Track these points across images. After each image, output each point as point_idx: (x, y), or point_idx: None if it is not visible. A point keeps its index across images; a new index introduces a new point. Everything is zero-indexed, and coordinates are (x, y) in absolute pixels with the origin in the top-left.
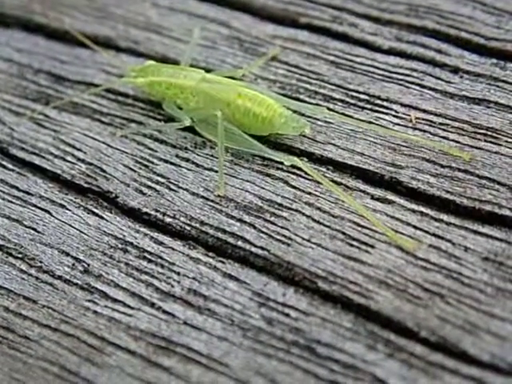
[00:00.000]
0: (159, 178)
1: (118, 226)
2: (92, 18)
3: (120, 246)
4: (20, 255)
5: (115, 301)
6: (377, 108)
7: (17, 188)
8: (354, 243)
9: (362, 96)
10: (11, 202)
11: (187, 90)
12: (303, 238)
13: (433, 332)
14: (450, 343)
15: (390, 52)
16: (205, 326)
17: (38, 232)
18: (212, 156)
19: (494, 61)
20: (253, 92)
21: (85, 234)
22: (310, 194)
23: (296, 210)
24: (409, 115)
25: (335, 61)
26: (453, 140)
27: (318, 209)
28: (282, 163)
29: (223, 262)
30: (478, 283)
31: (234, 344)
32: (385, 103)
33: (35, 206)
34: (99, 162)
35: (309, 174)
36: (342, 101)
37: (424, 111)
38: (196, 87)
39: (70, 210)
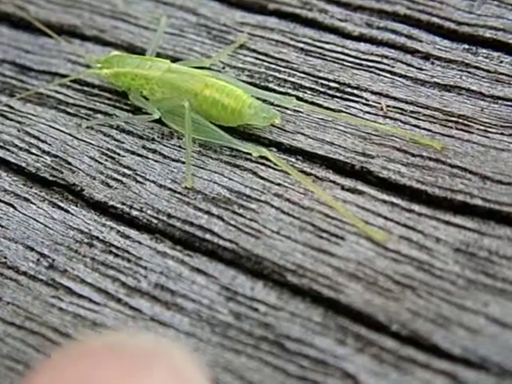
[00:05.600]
0: (126, 170)
1: (84, 220)
2: (57, 7)
3: (86, 240)
4: None
5: (81, 297)
6: (347, 96)
7: None
8: (324, 235)
9: (332, 84)
10: None
11: (152, 81)
12: (272, 231)
13: (404, 326)
14: (421, 337)
15: (360, 38)
16: (172, 322)
17: (2, 227)
18: (179, 147)
19: (466, 46)
20: (220, 82)
21: (50, 228)
22: (279, 185)
23: (265, 202)
24: (379, 103)
25: (304, 48)
26: (424, 128)
27: (287, 200)
28: (250, 154)
29: (191, 256)
30: (449, 275)
31: (202, 340)
32: (355, 91)
33: None
34: (65, 154)
35: (277, 165)
36: (311, 89)
37: (395, 99)
38: (161, 78)
39: (34, 204)
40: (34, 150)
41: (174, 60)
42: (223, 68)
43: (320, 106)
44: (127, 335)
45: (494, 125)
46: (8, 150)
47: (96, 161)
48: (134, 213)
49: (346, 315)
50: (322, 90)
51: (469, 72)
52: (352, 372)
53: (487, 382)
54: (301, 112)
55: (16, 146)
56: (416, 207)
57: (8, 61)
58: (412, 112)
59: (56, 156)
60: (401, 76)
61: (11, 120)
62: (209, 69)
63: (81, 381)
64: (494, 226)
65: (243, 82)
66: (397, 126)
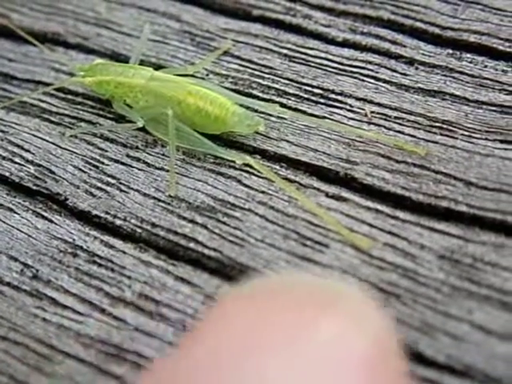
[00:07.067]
0: (109, 179)
1: (68, 230)
2: (40, 14)
3: (70, 250)
4: None
5: (64, 307)
6: (331, 102)
7: None
8: (308, 243)
9: (316, 90)
10: None
11: (136, 89)
12: (256, 239)
13: None
14: (405, 345)
15: (344, 44)
16: (156, 332)
17: None
18: (163, 155)
19: (450, 51)
20: (204, 90)
21: (33, 238)
22: (263, 192)
23: (249, 210)
24: (363, 109)
25: (288, 54)
26: (408, 134)
27: (272, 208)
28: (234, 162)
29: (175, 265)
30: (434, 282)
31: None
32: (339, 97)
33: None
34: (48, 163)
35: (261, 173)
36: (295, 95)
37: (379, 105)
38: (145, 86)
39: (18, 214)
40: (17, 160)
41: (158, 67)
42: (207, 75)
43: (304, 112)
44: (307, 277)
45: (479, 130)
46: None
47: (80, 170)
48: (118, 222)
49: None
50: (305, 96)
51: (453, 77)
52: None
53: None
54: (285, 119)
55: None
56: (400, 214)
57: None
58: (396, 118)
59: (39, 165)
60: (385, 82)
61: None
62: (192, 76)
63: (248, 324)
64: (479, 233)
65: (227, 89)
66: (381, 132)
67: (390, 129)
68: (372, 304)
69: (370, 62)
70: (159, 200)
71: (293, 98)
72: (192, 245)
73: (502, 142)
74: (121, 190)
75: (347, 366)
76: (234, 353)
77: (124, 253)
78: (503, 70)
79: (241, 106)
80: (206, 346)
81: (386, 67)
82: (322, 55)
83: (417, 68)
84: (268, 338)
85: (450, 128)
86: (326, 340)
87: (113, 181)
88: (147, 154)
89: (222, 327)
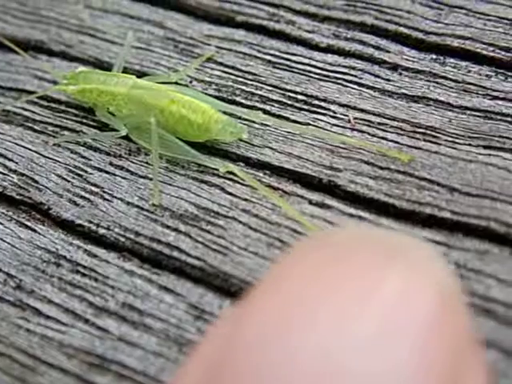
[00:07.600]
0: (93, 188)
1: (51, 239)
2: (24, 22)
3: (53, 260)
4: None
5: (48, 318)
6: (314, 109)
7: None
8: None
9: (300, 96)
10: None
11: (119, 97)
12: (240, 247)
13: None
14: None
15: (327, 50)
16: (140, 342)
17: None
18: (147, 163)
19: (434, 56)
20: (187, 97)
21: (17, 248)
22: (246, 200)
23: (232, 218)
24: (347, 115)
25: (272, 60)
26: (392, 140)
27: (255, 216)
28: (217, 169)
29: (158, 274)
30: None
31: (170, 360)
32: (322, 103)
33: None
34: (31, 172)
35: (244, 180)
36: (279, 102)
37: (362, 111)
38: (127, 94)
39: (1, 224)
40: (0, 169)
41: (141, 74)
42: (190, 82)
43: (287, 119)
44: (373, 231)
45: (462, 136)
46: None
47: (63, 178)
48: (102, 231)
49: None
50: (289, 102)
51: (436, 82)
52: None
53: None
54: (268, 125)
55: None
56: (384, 221)
57: None
58: (379, 124)
59: (23, 174)
60: (368, 87)
61: None
62: (176, 83)
63: (316, 276)
64: (462, 239)
65: (210, 96)
66: (364, 138)
67: (373, 135)
68: (435, 255)
69: (354, 68)
70: (142, 208)
71: (276, 105)
72: (175, 253)
73: (485, 147)
74: (104, 199)
75: (414, 319)
76: (303, 304)
77: (107, 262)
78: (487, 75)
79: (224, 113)
80: (276, 297)
81: (369, 73)
82: (306, 61)
83: (400, 73)
84: (337, 289)
85: (434, 134)
86: (392, 291)
87: (96, 189)
88: (131, 162)
89: (291, 279)
